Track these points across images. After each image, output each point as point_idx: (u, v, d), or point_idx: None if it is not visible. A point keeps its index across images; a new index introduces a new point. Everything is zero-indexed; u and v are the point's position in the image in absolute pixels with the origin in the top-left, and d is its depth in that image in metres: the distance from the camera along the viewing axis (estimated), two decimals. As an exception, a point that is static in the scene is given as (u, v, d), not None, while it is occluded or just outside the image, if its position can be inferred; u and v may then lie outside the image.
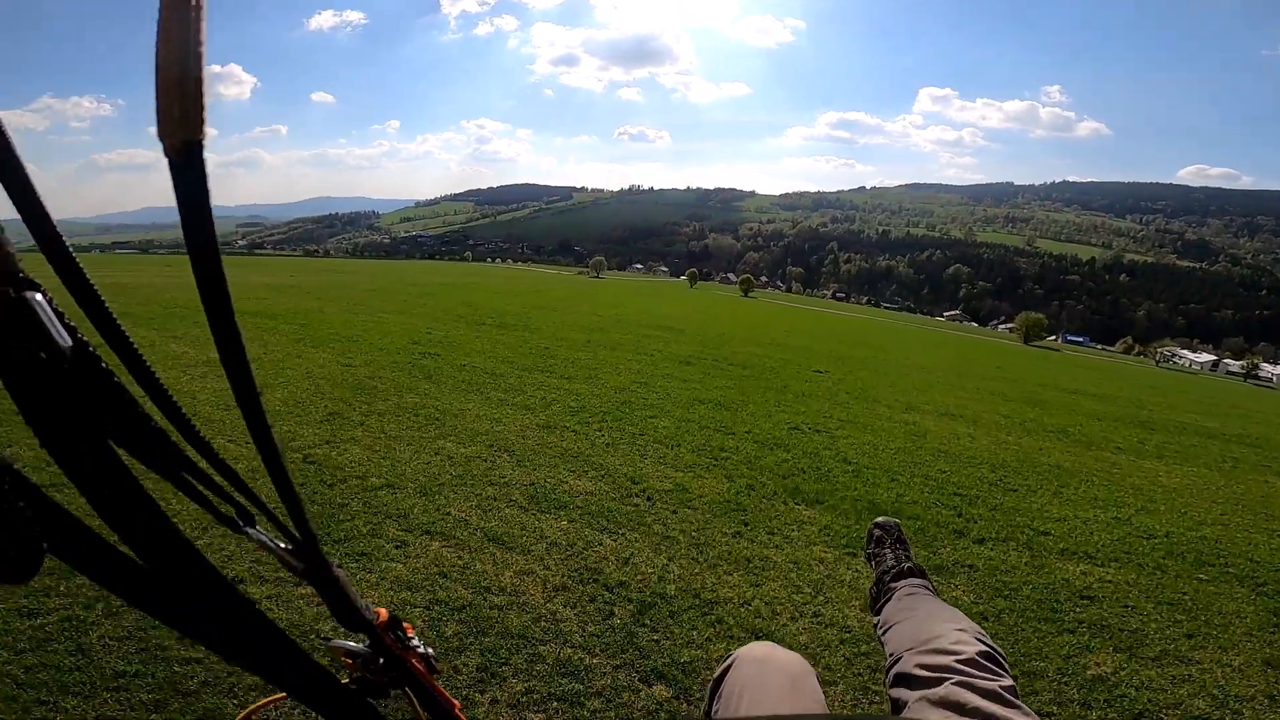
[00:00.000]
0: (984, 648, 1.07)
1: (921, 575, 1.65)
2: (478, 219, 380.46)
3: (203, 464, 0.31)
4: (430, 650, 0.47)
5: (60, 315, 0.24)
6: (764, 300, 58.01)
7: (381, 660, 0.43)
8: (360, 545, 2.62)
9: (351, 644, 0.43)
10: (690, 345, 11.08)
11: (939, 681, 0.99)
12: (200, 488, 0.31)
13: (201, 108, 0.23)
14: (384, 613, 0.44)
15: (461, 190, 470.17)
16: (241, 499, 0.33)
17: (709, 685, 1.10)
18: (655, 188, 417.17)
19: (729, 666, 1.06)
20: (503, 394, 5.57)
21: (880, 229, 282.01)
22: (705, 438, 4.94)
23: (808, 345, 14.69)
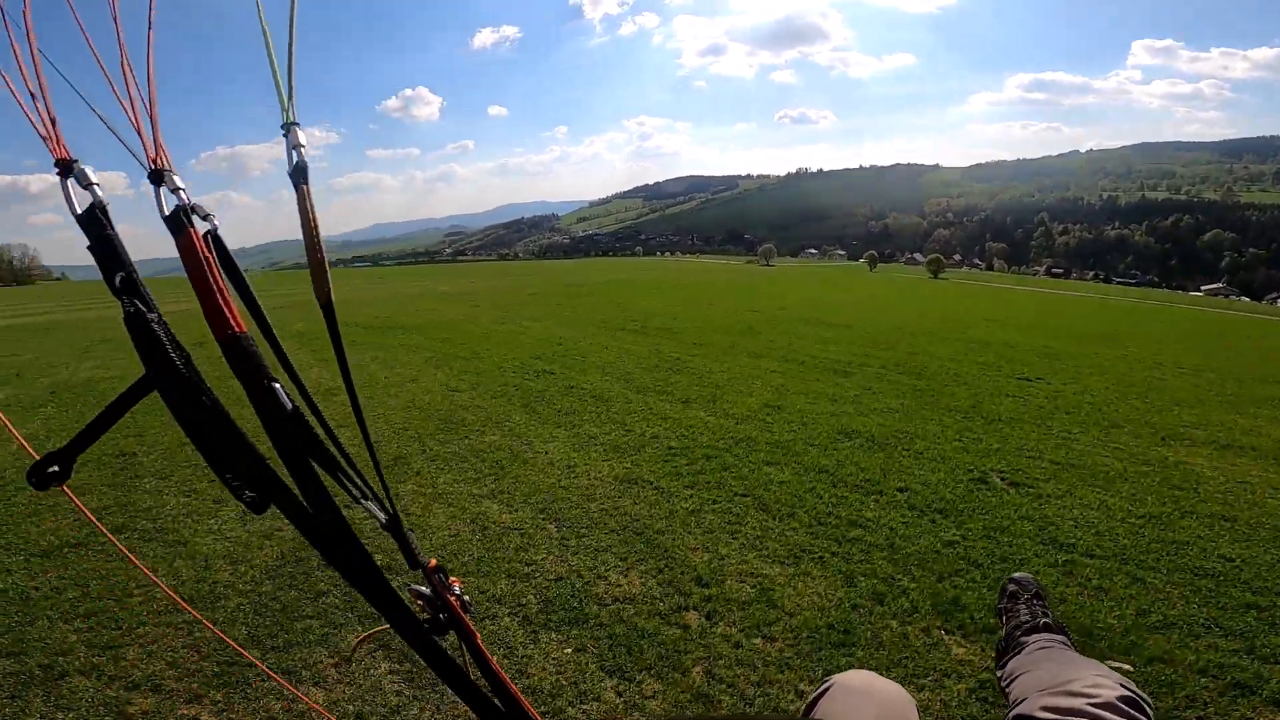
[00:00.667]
0: (1126, 693, 0.99)
1: (1061, 631, 1.52)
2: (647, 214, 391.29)
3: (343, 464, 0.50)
4: (467, 597, 0.57)
5: (284, 393, 0.46)
6: (957, 282, 50.71)
7: (439, 604, 0.54)
8: (290, 657, 2.10)
9: (423, 589, 0.54)
10: (854, 346, 9.37)
11: None
12: (344, 480, 0.49)
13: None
14: (434, 561, 0.55)
15: (629, 187, 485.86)
16: (363, 486, 0.50)
17: (801, 710, 1.08)
18: (824, 169, 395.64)
19: (823, 693, 1.02)
20: (598, 427, 4.79)
21: (1105, 195, 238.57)
22: (835, 500, 3.53)
23: (1012, 340, 11.23)
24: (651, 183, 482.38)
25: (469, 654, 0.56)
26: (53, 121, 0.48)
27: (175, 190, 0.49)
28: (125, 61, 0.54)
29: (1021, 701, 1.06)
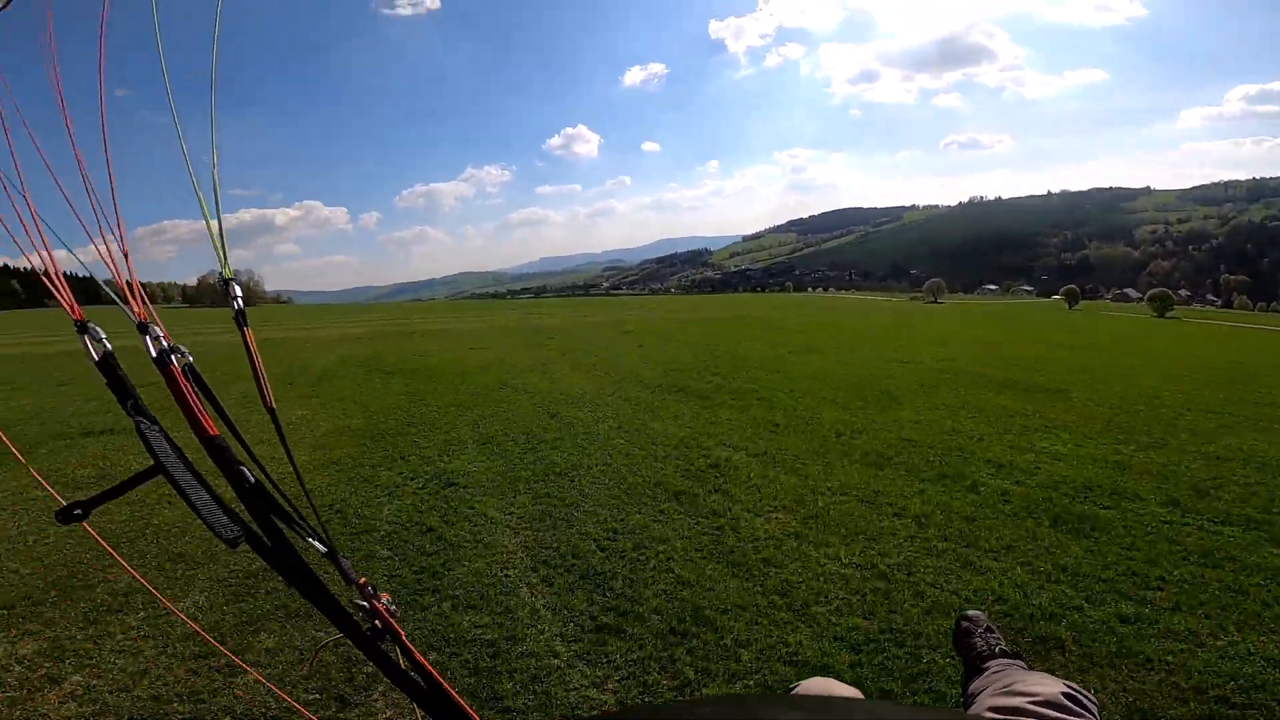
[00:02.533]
0: (1068, 690, 1.04)
1: (1018, 657, 1.61)
2: (801, 248, 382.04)
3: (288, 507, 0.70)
4: (394, 607, 0.71)
5: (248, 473, 0.65)
6: (1196, 322, 40.95)
7: (374, 613, 0.68)
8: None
9: (361, 603, 0.68)
10: (1091, 442, 6.20)
11: None
12: (295, 526, 0.69)
13: None
14: (364, 579, 0.70)
15: (783, 221, 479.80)
16: (307, 527, 0.70)
17: None
18: (1002, 197, 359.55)
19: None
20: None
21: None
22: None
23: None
24: (806, 216, 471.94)
25: (400, 650, 0.67)
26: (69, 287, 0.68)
27: (156, 339, 0.68)
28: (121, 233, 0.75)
29: (970, 703, 1.16)
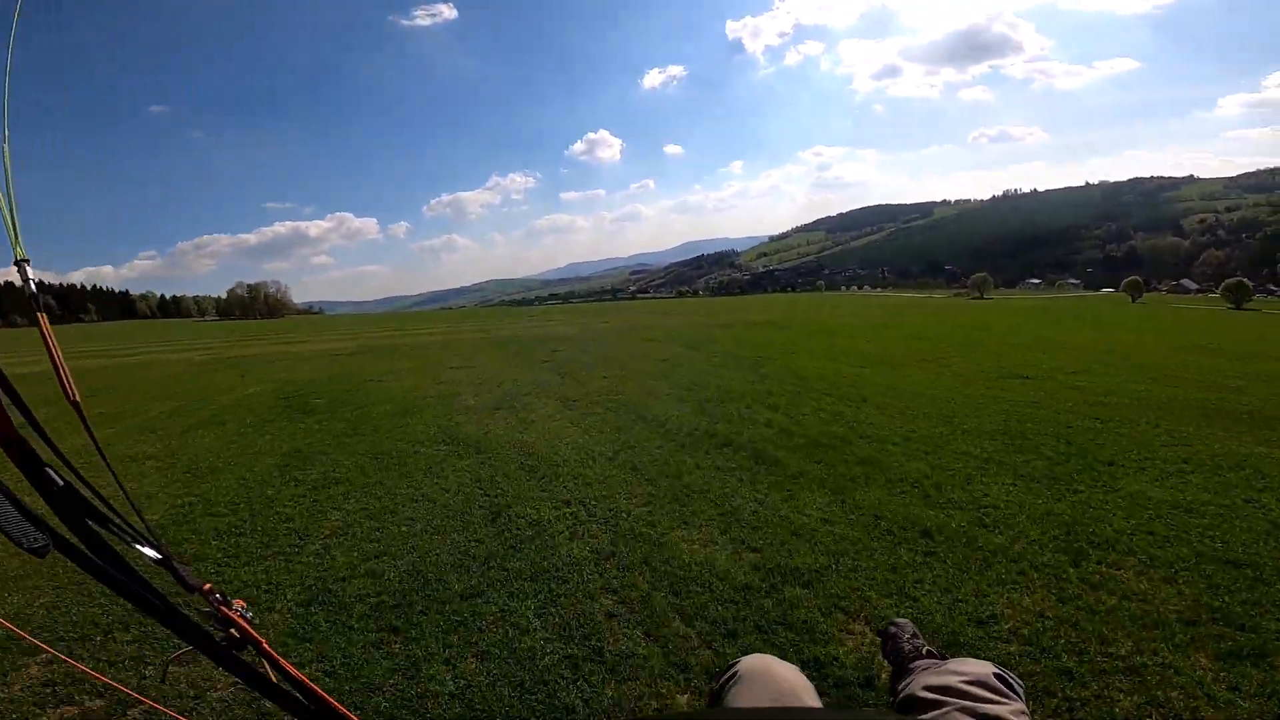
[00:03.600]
0: (997, 671, 1.07)
1: (944, 658, 1.52)
2: (830, 247, 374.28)
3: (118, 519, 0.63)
4: (250, 613, 0.66)
5: (56, 474, 0.59)
6: (1276, 314, 36.44)
7: (226, 622, 0.63)
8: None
9: (207, 610, 0.64)
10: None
11: (940, 704, 1.01)
12: (117, 531, 0.63)
13: None
14: (209, 585, 0.65)
15: (810, 220, 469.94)
16: (133, 531, 0.63)
17: (709, 694, 1.16)
18: (1038, 189, 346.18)
19: (730, 678, 1.08)
20: None
21: None
22: None
23: None
24: (835, 214, 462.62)
25: (266, 661, 0.62)
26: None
27: None
28: None
29: (907, 685, 1.14)
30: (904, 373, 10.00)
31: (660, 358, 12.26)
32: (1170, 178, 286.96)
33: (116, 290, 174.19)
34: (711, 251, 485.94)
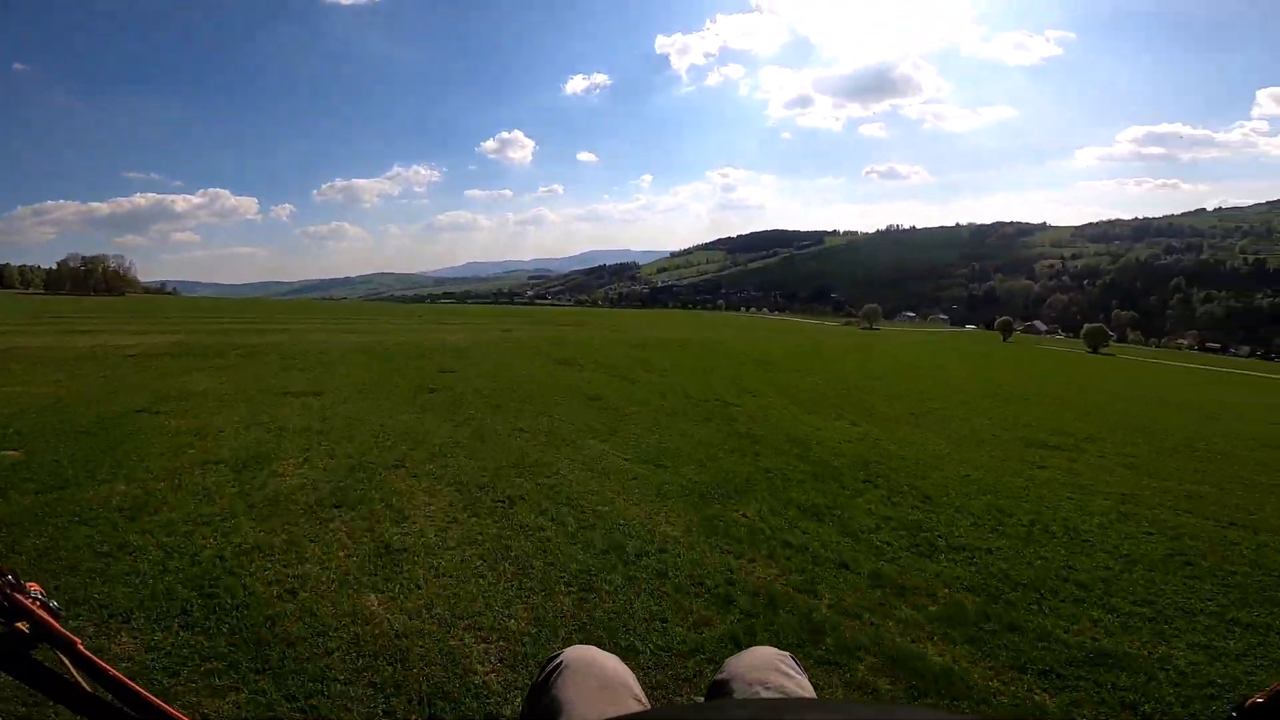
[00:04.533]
0: (779, 654, 1.17)
1: None
2: (729, 267, 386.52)
3: None
4: (54, 602, 0.53)
5: None
6: (1136, 360, 39.95)
7: (13, 612, 0.50)
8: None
9: None
10: None
11: (733, 681, 1.09)
12: None
13: None
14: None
15: (711, 239, 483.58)
16: None
17: (532, 686, 1.11)
18: (916, 226, 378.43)
19: (555, 669, 1.07)
20: None
21: (1247, 257, 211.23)
22: None
23: None
24: (734, 235, 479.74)
25: (73, 664, 0.49)
26: None
27: None
28: None
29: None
30: (910, 434, 7.72)
31: (590, 393, 9.21)
32: (1027, 223, 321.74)
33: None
34: (613, 262, 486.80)
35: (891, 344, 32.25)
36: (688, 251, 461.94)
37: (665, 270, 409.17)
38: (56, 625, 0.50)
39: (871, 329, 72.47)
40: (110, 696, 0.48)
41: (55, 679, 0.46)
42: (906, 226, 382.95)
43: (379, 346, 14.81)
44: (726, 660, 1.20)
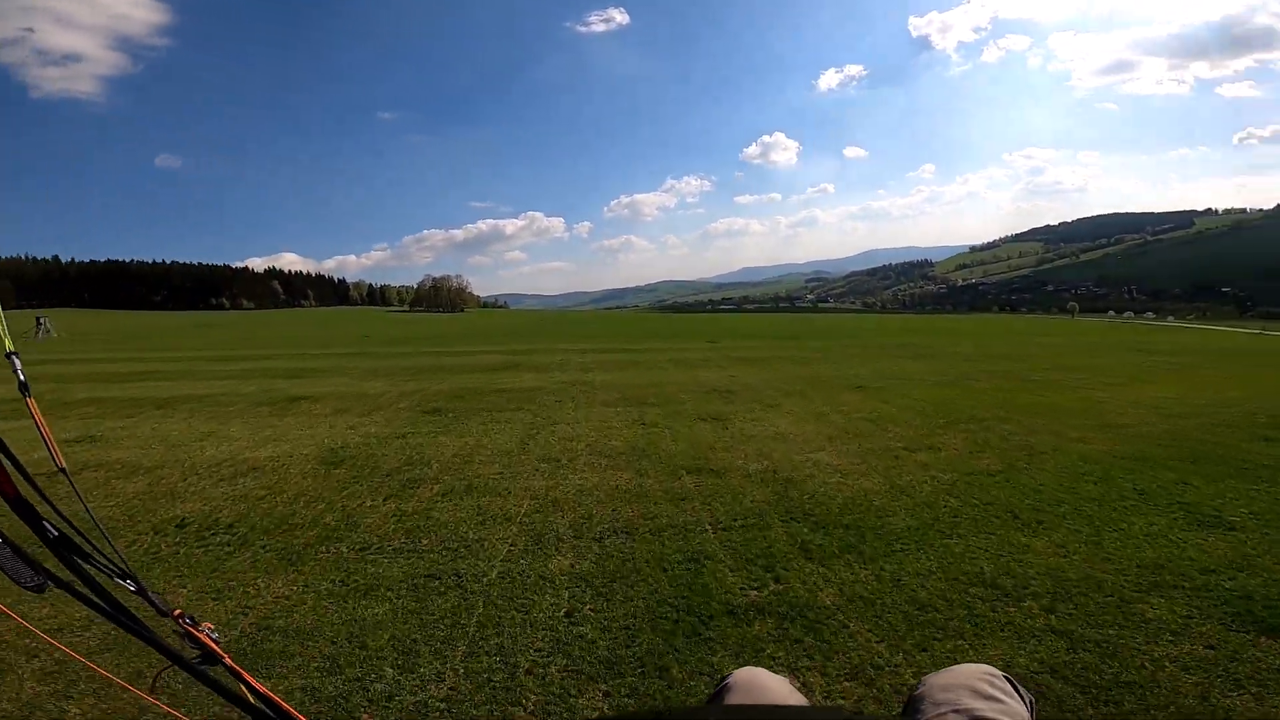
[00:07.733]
0: (1005, 673, 1.01)
1: None
2: (1051, 259, 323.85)
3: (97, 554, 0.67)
4: (216, 634, 0.70)
5: (50, 524, 0.64)
6: None
7: (196, 642, 0.68)
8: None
9: (178, 631, 0.68)
10: None
11: (939, 704, 0.94)
12: (104, 568, 0.67)
13: None
14: (179, 610, 0.69)
15: (1024, 229, 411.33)
16: (114, 567, 0.67)
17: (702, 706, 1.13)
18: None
19: (720, 691, 1.05)
20: None
21: None
22: None
23: None
24: (1056, 223, 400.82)
25: (236, 676, 0.67)
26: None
27: None
28: None
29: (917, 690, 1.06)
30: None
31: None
32: None
33: (335, 279, 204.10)
34: (896, 261, 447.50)
35: None
36: (993, 244, 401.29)
37: (966, 266, 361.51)
38: (218, 649, 0.68)
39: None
40: (268, 710, 0.65)
41: (230, 691, 0.63)
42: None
43: (674, 386, 12.01)
44: (925, 676, 1.07)
